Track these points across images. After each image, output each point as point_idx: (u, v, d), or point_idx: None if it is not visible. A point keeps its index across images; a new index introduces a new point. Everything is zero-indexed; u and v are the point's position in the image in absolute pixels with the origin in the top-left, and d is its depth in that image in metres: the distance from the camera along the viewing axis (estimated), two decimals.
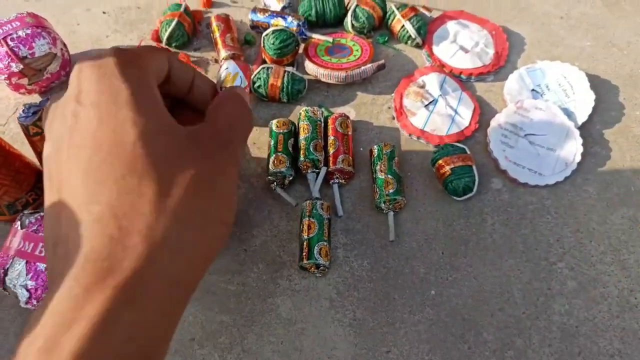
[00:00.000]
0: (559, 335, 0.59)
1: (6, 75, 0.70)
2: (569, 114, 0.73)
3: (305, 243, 0.61)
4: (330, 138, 0.69)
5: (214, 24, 0.80)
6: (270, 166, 0.66)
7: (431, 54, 0.80)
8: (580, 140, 0.70)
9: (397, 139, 0.73)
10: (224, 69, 0.49)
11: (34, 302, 0.54)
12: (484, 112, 0.75)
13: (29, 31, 0.70)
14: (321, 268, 0.61)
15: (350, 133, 0.70)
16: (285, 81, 0.73)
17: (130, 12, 0.88)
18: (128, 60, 0.31)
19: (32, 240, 0.54)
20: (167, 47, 0.81)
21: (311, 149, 0.66)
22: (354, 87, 0.78)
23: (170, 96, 0.43)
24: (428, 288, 0.62)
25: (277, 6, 0.83)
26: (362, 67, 0.75)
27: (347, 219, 0.66)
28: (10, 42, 0.69)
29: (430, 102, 0.74)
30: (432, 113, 0.73)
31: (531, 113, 0.72)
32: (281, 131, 0.68)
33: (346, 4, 0.83)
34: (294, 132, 0.70)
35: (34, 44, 0.70)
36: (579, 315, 0.60)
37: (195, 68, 0.44)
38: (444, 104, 0.74)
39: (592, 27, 0.85)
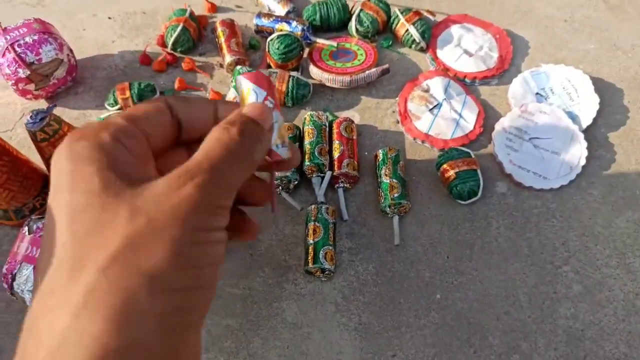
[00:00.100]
0: (564, 339, 0.59)
1: (13, 81, 0.71)
2: (573, 117, 0.73)
3: (310, 247, 0.61)
4: (335, 142, 0.69)
5: (219, 29, 0.81)
6: None
7: (435, 58, 0.80)
8: (585, 144, 0.70)
9: (402, 143, 0.73)
10: (235, 87, 0.37)
11: None
12: (488, 116, 0.75)
13: (35, 37, 0.71)
14: (327, 272, 0.61)
15: (355, 137, 0.70)
16: (290, 86, 0.73)
17: (135, 17, 0.89)
18: (77, 137, 0.27)
19: (40, 245, 0.55)
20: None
21: (316, 153, 0.67)
22: (358, 92, 0.78)
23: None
24: (433, 292, 0.62)
25: (281, 11, 0.84)
26: (367, 72, 0.75)
27: (352, 223, 0.66)
28: (17, 49, 0.69)
29: (435, 106, 0.74)
30: (436, 117, 0.73)
31: (536, 117, 0.72)
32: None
33: (350, 8, 0.84)
34: (298, 137, 0.70)
35: (40, 50, 0.71)
36: (585, 319, 0.60)
37: (217, 99, 0.36)
38: (448, 107, 0.74)
39: (596, 30, 0.85)
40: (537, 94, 0.76)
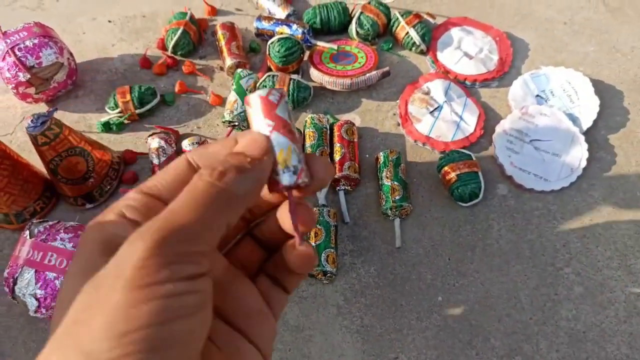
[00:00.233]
0: (566, 340, 0.59)
1: (14, 85, 0.71)
2: (573, 119, 0.73)
3: None
4: (336, 145, 0.69)
5: (220, 32, 0.81)
6: None
7: (435, 61, 0.80)
8: (586, 146, 0.71)
9: (403, 146, 0.73)
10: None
11: (43, 310, 0.54)
12: (488, 118, 0.75)
13: (36, 41, 0.71)
14: (328, 275, 0.61)
15: (355, 140, 0.70)
16: (290, 89, 0.73)
17: (135, 20, 0.89)
18: (93, 220, 0.27)
19: (41, 249, 0.54)
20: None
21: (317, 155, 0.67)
22: (359, 94, 0.78)
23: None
24: (435, 294, 0.62)
25: (282, 14, 0.84)
26: (367, 74, 0.75)
27: (353, 226, 0.66)
28: (17, 52, 0.69)
29: (436, 109, 0.74)
30: (437, 119, 0.73)
31: (536, 119, 0.73)
32: None
33: (351, 11, 0.84)
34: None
35: (41, 54, 0.71)
36: (586, 321, 0.60)
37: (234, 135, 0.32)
38: (449, 110, 0.74)
39: (595, 32, 0.85)
40: (537, 96, 0.76)
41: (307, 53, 0.80)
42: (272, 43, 0.76)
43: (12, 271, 0.54)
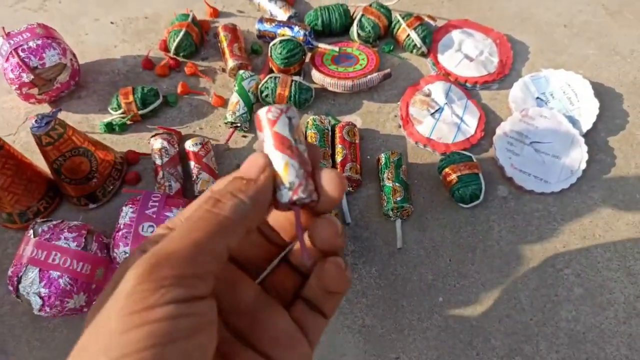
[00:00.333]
0: (566, 341, 0.59)
1: (17, 85, 0.71)
2: (573, 121, 0.74)
3: None
4: (338, 146, 0.69)
5: (222, 34, 0.81)
6: None
7: (436, 63, 0.81)
8: (585, 148, 0.71)
9: (404, 147, 0.74)
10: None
11: (47, 309, 0.54)
12: (489, 120, 0.76)
13: (39, 42, 0.71)
14: None
15: (357, 141, 0.71)
16: (292, 90, 0.74)
17: (138, 22, 0.89)
18: (120, 264, 0.28)
19: (45, 248, 0.55)
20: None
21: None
22: (360, 96, 0.78)
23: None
24: (436, 295, 0.62)
25: (283, 16, 0.84)
26: (369, 76, 0.76)
27: (354, 227, 0.67)
28: (21, 53, 0.70)
29: (436, 111, 0.75)
30: (438, 121, 0.74)
31: (536, 121, 0.73)
32: None
33: (352, 13, 0.84)
34: None
35: (44, 55, 0.71)
36: (586, 322, 0.60)
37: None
38: (449, 112, 0.75)
39: (595, 35, 0.86)
40: (537, 98, 0.76)
41: (309, 55, 0.80)
42: (274, 45, 0.77)
43: (17, 270, 0.55)
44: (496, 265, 0.64)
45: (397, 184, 0.66)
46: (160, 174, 0.68)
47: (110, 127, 0.75)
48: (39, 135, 0.59)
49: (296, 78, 0.75)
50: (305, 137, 0.70)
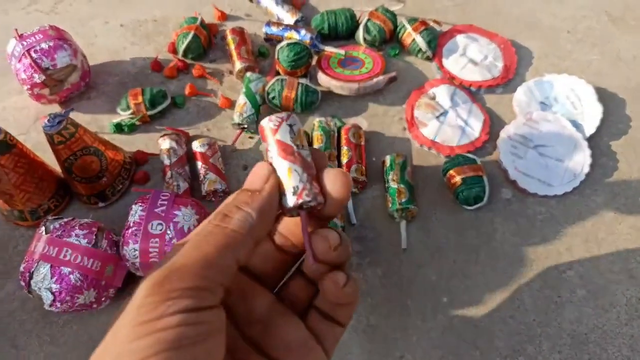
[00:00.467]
0: (568, 342, 0.60)
1: (29, 86, 0.72)
2: (577, 126, 0.74)
3: None
4: (344, 148, 0.70)
5: (229, 37, 0.82)
6: None
7: (441, 67, 0.82)
8: (589, 152, 0.72)
9: (409, 150, 0.74)
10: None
11: (58, 304, 0.55)
12: (493, 124, 0.77)
13: (51, 43, 0.72)
14: None
15: (363, 143, 0.72)
16: (299, 93, 0.75)
17: (147, 25, 0.90)
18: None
19: (57, 245, 0.56)
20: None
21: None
22: (365, 99, 0.79)
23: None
24: (440, 295, 0.63)
25: (290, 20, 0.86)
26: (374, 79, 0.77)
27: (360, 227, 0.68)
28: (33, 54, 0.71)
29: (441, 114, 0.76)
30: (442, 124, 0.75)
31: (540, 125, 0.74)
32: None
33: (358, 17, 0.85)
34: (308, 142, 0.71)
35: (55, 56, 0.72)
36: (589, 323, 0.61)
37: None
38: (454, 115, 0.76)
39: (598, 41, 0.87)
40: (541, 102, 0.77)
41: (315, 58, 0.82)
42: (281, 48, 0.78)
43: (28, 266, 0.56)
44: (500, 266, 0.65)
45: (402, 185, 0.67)
46: (169, 173, 0.69)
47: (119, 128, 0.76)
48: (51, 134, 0.60)
49: (303, 80, 0.76)
50: (311, 140, 0.71)
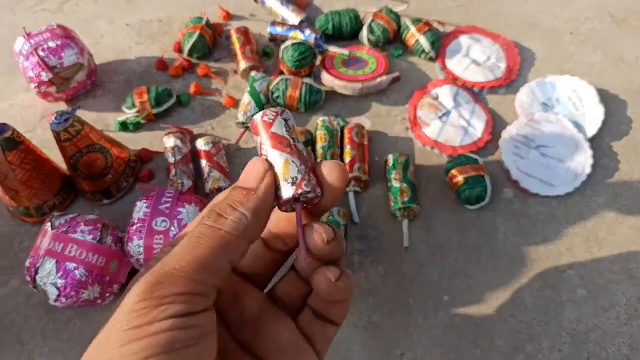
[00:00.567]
0: (568, 340, 0.60)
1: (36, 84, 0.73)
2: (578, 126, 0.75)
3: None
4: (347, 147, 0.71)
5: (234, 36, 0.83)
6: None
7: (444, 67, 0.83)
8: (590, 152, 0.72)
9: (411, 149, 0.75)
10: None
11: (63, 299, 0.56)
12: (495, 124, 0.77)
13: (58, 42, 0.73)
14: None
15: (365, 143, 0.72)
16: (303, 92, 0.76)
17: (152, 24, 0.91)
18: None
19: (62, 240, 0.57)
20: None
21: (328, 157, 0.69)
22: (369, 98, 0.80)
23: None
24: (441, 294, 0.63)
25: (295, 20, 0.86)
26: (378, 79, 0.78)
27: (362, 226, 0.68)
28: (41, 53, 0.72)
29: (444, 114, 0.76)
30: (445, 124, 0.75)
31: (542, 125, 0.74)
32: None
33: (362, 18, 0.86)
34: (311, 141, 0.72)
35: (62, 54, 0.73)
36: (588, 322, 0.61)
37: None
38: (457, 115, 0.76)
39: (601, 43, 0.87)
40: (543, 103, 0.78)
41: (319, 58, 0.82)
42: (285, 47, 0.78)
43: (34, 261, 0.56)
44: (501, 265, 0.65)
45: (404, 184, 0.67)
46: (173, 171, 0.69)
47: (124, 126, 0.76)
48: (58, 131, 0.61)
49: (307, 80, 0.77)
50: (314, 139, 0.72)
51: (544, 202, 0.70)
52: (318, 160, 0.65)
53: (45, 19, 0.91)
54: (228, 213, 0.26)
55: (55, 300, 0.56)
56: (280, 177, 0.27)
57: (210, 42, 0.84)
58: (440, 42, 0.84)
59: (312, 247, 0.27)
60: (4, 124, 0.60)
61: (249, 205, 0.26)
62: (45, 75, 0.72)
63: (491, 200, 0.70)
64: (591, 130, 0.75)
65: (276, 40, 0.84)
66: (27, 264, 0.57)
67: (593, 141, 0.75)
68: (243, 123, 0.75)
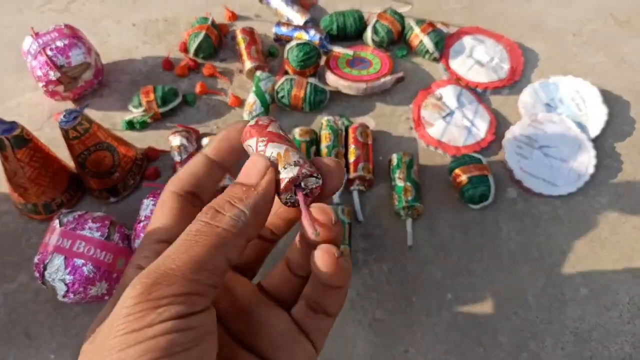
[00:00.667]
0: (571, 339, 0.61)
1: (44, 83, 0.74)
2: (581, 127, 0.75)
3: None
4: (351, 147, 0.72)
5: (240, 37, 0.84)
6: None
7: (448, 68, 0.83)
8: (593, 152, 0.73)
9: (415, 149, 0.76)
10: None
11: (71, 295, 0.57)
12: (499, 124, 0.78)
13: (66, 41, 0.74)
14: None
15: (370, 142, 0.73)
16: (307, 92, 0.76)
17: (158, 24, 0.92)
18: (119, 282, 0.27)
19: (70, 237, 0.57)
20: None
21: (332, 156, 0.69)
22: (373, 99, 0.81)
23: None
24: (445, 292, 0.64)
25: (300, 20, 0.87)
26: (382, 79, 0.78)
27: (366, 225, 0.69)
28: (49, 52, 0.73)
29: (448, 114, 0.77)
30: (449, 124, 0.76)
31: (545, 126, 0.75)
32: (304, 139, 0.71)
33: (366, 19, 0.87)
34: (315, 141, 0.73)
35: (70, 54, 0.74)
36: (591, 321, 0.62)
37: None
38: (460, 115, 0.77)
39: (604, 44, 0.88)
40: (546, 104, 0.78)
41: (324, 58, 0.83)
42: (290, 48, 0.79)
43: (43, 257, 0.57)
44: (504, 264, 0.66)
45: (408, 183, 0.68)
46: (179, 170, 0.70)
47: (131, 125, 0.77)
48: (66, 129, 0.61)
49: (311, 80, 0.78)
50: (319, 139, 0.73)
51: (547, 202, 0.71)
52: None
53: (52, 19, 0.92)
54: (226, 210, 0.25)
55: (64, 296, 0.57)
56: (282, 163, 0.26)
57: (216, 42, 0.85)
58: (444, 43, 0.85)
59: (321, 224, 0.26)
60: (14, 122, 0.61)
61: (248, 202, 0.25)
62: (53, 75, 0.73)
63: (494, 199, 0.70)
64: (594, 131, 0.76)
65: (281, 40, 0.85)
66: (35, 260, 0.58)
67: (596, 141, 0.75)
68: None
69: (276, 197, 0.26)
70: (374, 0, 0.93)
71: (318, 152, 0.72)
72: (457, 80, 0.82)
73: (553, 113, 0.77)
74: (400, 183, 0.68)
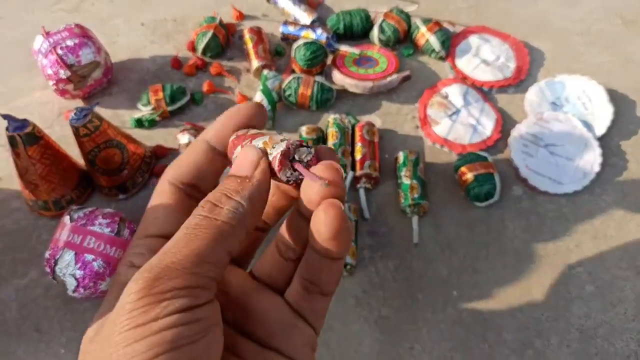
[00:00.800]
0: (577, 336, 0.61)
1: (54, 81, 0.75)
2: (587, 126, 0.76)
3: None
4: (358, 145, 0.72)
5: (247, 36, 0.85)
6: None
7: (454, 67, 0.84)
8: (599, 151, 0.73)
9: (421, 147, 0.76)
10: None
11: (81, 290, 0.58)
12: (505, 123, 0.78)
13: (76, 41, 0.75)
14: (348, 267, 0.64)
15: (376, 140, 0.74)
16: (314, 90, 0.77)
17: (166, 24, 0.93)
18: (112, 277, 0.28)
19: (81, 233, 0.58)
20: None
21: (339, 154, 0.70)
22: (379, 97, 0.81)
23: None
24: (450, 289, 0.64)
25: (307, 20, 0.88)
26: (388, 78, 0.79)
27: (372, 222, 0.69)
28: (59, 51, 0.74)
29: (454, 112, 0.77)
30: (455, 123, 0.76)
31: (551, 124, 0.75)
32: (311, 137, 0.72)
33: (372, 18, 0.87)
34: (322, 139, 0.73)
35: (80, 53, 0.75)
36: (597, 318, 0.62)
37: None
38: (466, 114, 0.77)
39: (610, 43, 0.88)
40: (552, 103, 0.78)
41: (331, 57, 0.83)
42: (297, 47, 0.80)
43: (54, 253, 0.58)
44: (510, 262, 0.66)
45: (414, 181, 0.68)
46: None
47: (139, 123, 0.78)
48: (77, 126, 0.62)
49: (318, 78, 0.78)
50: (326, 137, 0.73)
51: (553, 200, 0.71)
52: None
53: (62, 19, 0.93)
54: (223, 202, 0.25)
55: (74, 291, 0.58)
56: (269, 148, 0.25)
57: (224, 41, 0.86)
58: (450, 42, 0.85)
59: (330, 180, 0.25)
60: (25, 120, 0.62)
61: (244, 193, 0.25)
62: (63, 73, 0.74)
63: (500, 197, 0.71)
64: (600, 130, 0.76)
65: (288, 39, 0.86)
66: (46, 255, 0.59)
67: (602, 140, 0.75)
68: None
69: (272, 186, 0.26)
70: (381, 0, 0.93)
71: None
72: (463, 79, 0.82)
73: (559, 112, 0.77)
74: (406, 181, 0.69)
